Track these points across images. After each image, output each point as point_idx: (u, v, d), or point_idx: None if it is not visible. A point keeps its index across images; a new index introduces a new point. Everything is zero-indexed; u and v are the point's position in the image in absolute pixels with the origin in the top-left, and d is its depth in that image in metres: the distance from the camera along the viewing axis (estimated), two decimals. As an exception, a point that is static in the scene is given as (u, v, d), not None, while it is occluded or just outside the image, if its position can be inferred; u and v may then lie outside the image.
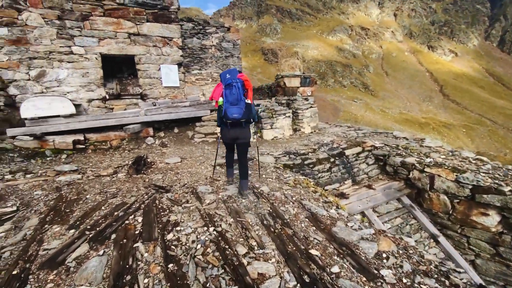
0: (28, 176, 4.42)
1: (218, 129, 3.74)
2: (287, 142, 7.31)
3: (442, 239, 5.31)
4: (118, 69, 7.65)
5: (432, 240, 5.31)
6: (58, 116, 5.84)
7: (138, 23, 6.98)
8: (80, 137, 5.84)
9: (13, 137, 5.43)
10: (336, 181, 5.85)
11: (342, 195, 5.39)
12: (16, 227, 3.03)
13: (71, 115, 5.93)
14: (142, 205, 3.35)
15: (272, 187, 4.05)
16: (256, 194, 3.69)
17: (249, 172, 4.77)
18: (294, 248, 2.46)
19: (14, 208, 3.45)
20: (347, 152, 6.35)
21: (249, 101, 3.34)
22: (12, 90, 6.01)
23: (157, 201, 3.47)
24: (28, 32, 6.06)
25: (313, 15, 64.99)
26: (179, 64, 7.49)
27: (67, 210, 3.32)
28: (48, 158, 5.33)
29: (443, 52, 64.25)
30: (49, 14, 6.16)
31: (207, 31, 13.38)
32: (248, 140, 3.55)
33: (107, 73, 7.34)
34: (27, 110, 5.61)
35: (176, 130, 7.06)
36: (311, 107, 8.32)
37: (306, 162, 5.75)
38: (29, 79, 6.11)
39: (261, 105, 8.26)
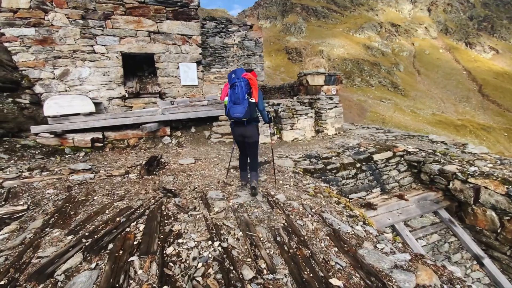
0: (44, 173, 4.41)
1: None
2: (308, 144, 6.82)
3: (487, 261, 4.57)
4: (139, 68, 7.64)
5: (475, 262, 4.58)
6: (79, 114, 5.86)
7: (158, 21, 6.87)
8: (99, 135, 5.82)
9: (36, 134, 5.53)
10: (362, 189, 5.28)
11: (369, 206, 4.82)
12: (21, 228, 2.91)
13: (90, 113, 5.93)
14: (147, 211, 3.11)
15: (289, 195, 3.64)
16: (271, 203, 3.31)
17: (265, 177, 4.40)
18: (311, 275, 2.05)
19: (25, 207, 3.37)
20: (376, 157, 5.74)
21: (253, 100, 3.29)
22: (37, 89, 6.15)
23: (163, 207, 3.22)
24: (53, 32, 6.16)
25: (339, 12, 62.88)
26: (198, 62, 7.30)
27: (71, 213, 3.17)
28: (67, 156, 5.34)
29: (482, 49, 59.16)
30: (73, 14, 6.23)
31: (229, 29, 13.23)
32: (254, 139, 3.54)
33: (128, 71, 7.33)
34: (49, 108, 5.69)
35: (193, 130, 6.87)
36: (335, 106, 7.74)
37: (328, 167, 5.26)
38: (53, 78, 6.22)
39: (282, 104, 7.84)
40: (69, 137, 5.55)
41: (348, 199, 4.57)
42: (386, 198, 5.26)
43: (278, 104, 7.80)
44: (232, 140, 6.72)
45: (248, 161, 3.74)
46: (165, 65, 6.98)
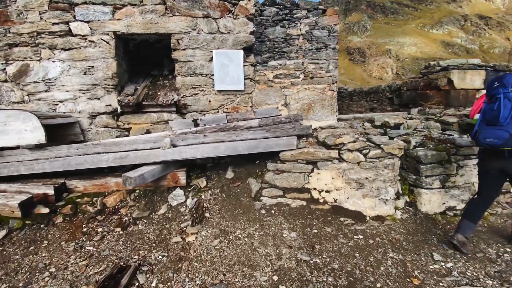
0: None
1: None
2: (495, 232, 2.67)
3: None
4: (158, 63, 4.55)
5: None
6: (18, 147, 2.95)
7: (180, -24, 3.60)
8: (48, 189, 2.79)
9: None
10: None
11: None
12: None
13: (38, 146, 2.96)
14: None
15: None
16: None
17: None
18: None
19: None
20: None
21: None
22: (-17, 98, 3.49)
23: None
24: (9, 2, 3.42)
25: (413, 7, 53.23)
26: (247, 49, 3.80)
27: None
28: (-38, 241, 2.41)
29: None
30: (40, -32, 3.38)
31: (294, 15, 9.48)
32: None
33: (136, 68, 4.30)
34: (-28, 134, 2.89)
35: (229, 174, 3.39)
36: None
37: None
38: (5, 80, 3.49)
39: (404, 126, 3.80)
40: (-17, 197, 2.63)
41: None
42: None
43: (396, 126, 3.75)
44: (305, 202, 3.01)
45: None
46: (189, 55, 3.67)
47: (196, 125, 3.55)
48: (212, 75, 3.71)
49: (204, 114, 3.77)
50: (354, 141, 2.93)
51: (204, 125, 3.53)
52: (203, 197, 3.11)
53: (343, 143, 2.93)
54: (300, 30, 9.78)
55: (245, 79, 3.75)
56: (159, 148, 3.08)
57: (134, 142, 3.14)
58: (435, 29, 47.71)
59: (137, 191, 3.13)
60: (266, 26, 9.71)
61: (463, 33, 47.77)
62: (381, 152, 2.89)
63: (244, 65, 3.73)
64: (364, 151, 2.91)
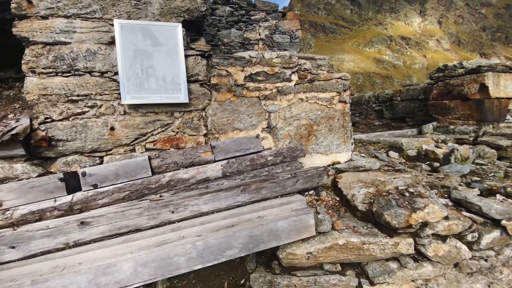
0: None
1: None
2: None
3: None
4: (18, 58, 2.36)
5: None
6: None
7: None
8: None
9: None
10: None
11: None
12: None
13: None
14: None
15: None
16: None
17: None
18: None
19: None
20: None
21: None
22: None
23: None
24: None
25: (348, 27, 59.04)
26: (192, 25, 1.95)
27: None
28: None
29: (498, 60, 53.68)
30: None
31: (252, 17, 8.16)
32: None
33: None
34: None
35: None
36: None
37: None
38: None
39: (455, 157, 2.37)
40: None
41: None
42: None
43: (445, 158, 2.30)
44: None
45: None
46: (58, 29, 1.66)
47: (73, 187, 1.48)
48: (116, 73, 1.73)
49: (101, 159, 1.72)
50: (447, 217, 1.29)
51: (94, 186, 1.50)
52: None
53: (426, 222, 1.27)
54: (260, 34, 8.25)
55: (190, 82, 1.86)
56: None
57: None
58: (368, 48, 53.17)
59: None
60: (219, 28, 7.92)
61: (390, 51, 54.39)
62: (500, 236, 1.31)
63: (187, 55, 1.84)
64: (468, 237, 1.30)
